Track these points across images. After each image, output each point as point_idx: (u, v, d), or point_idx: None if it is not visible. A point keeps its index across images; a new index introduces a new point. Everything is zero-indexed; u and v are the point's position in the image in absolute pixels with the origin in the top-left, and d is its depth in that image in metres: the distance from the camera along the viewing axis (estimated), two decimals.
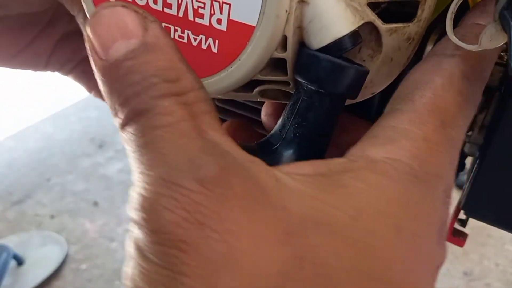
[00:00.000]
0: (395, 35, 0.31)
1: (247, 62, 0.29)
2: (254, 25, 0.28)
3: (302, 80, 0.29)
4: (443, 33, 0.39)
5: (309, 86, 0.29)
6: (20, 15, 0.46)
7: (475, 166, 0.42)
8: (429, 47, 0.39)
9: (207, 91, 0.27)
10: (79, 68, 0.52)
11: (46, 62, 0.50)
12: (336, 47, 0.28)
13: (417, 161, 0.26)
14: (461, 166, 0.45)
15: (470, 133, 0.42)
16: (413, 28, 0.32)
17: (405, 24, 0.31)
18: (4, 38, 0.49)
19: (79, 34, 0.38)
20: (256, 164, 0.25)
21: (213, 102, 0.27)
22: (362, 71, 0.29)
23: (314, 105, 0.30)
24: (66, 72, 0.53)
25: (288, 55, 0.29)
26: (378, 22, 0.30)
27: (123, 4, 0.26)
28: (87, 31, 0.26)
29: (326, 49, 0.28)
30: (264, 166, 0.25)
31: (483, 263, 1.32)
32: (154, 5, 0.31)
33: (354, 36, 0.29)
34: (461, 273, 1.35)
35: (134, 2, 0.31)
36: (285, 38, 0.29)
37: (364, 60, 0.32)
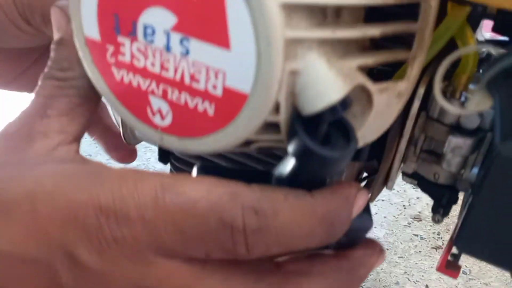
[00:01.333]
0: (386, 93, 0.32)
1: (241, 126, 0.30)
2: (248, 93, 0.29)
3: (287, 148, 0.31)
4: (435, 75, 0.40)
5: (292, 156, 0.30)
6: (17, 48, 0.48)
7: (467, 203, 0.43)
8: (421, 90, 0.40)
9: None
10: None
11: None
12: (327, 114, 0.29)
13: None
14: (453, 199, 0.46)
15: (462, 171, 0.43)
16: (403, 85, 0.33)
17: (395, 82, 0.32)
18: (1, 67, 0.50)
19: None
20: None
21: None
22: (334, 157, 0.29)
23: (299, 167, 0.31)
24: None
25: (281, 118, 0.30)
26: (369, 84, 0.31)
27: None
28: None
29: (318, 115, 0.29)
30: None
31: (482, 262, 1.33)
32: (152, 67, 0.32)
33: (345, 101, 0.30)
34: (460, 272, 1.37)
35: (132, 64, 0.32)
36: (278, 104, 0.30)
37: (355, 116, 0.33)
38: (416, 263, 1.45)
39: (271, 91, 0.29)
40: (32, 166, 0.33)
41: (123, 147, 0.46)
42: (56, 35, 0.38)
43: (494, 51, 0.28)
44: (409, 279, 1.43)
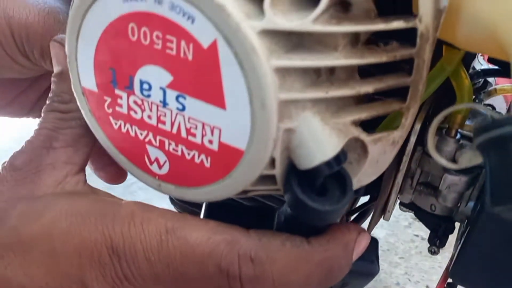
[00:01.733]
0: (380, 143, 0.33)
1: (238, 179, 0.31)
2: (243, 150, 0.29)
3: (284, 199, 0.31)
4: (430, 113, 0.40)
5: (287, 207, 0.31)
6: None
7: (463, 234, 0.43)
8: (417, 126, 0.40)
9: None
10: None
11: (29, 111, 0.53)
12: (322, 169, 0.30)
13: None
14: (450, 230, 0.47)
15: (458, 204, 0.43)
16: (398, 133, 0.33)
17: (389, 132, 0.33)
18: None
19: None
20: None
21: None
22: (328, 211, 0.30)
23: (295, 217, 0.32)
24: None
25: (277, 172, 0.31)
26: (363, 136, 0.31)
27: None
28: None
29: (312, 171, 0.30)
30: None
31: None
32: (149, 119, 0.32)
33: (339, 157, 0.30)
34: None
35: (129, 115, 0.33)
36: (273, 159, 0.30)
37: (351, 163, 0.34)
38: (416, 264, 1.46)
39: (267, 148, 0.29)
40: (46, 203, 0.34)
41: (111, 167, 0.46)
42: (56, 68, 0.39)
43: (487, 111, 0.28)
44: (409, 280, 1.44)
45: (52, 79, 0.39)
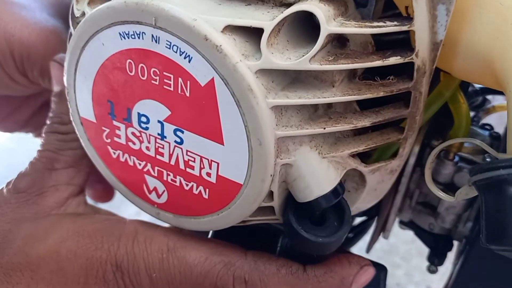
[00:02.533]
0: (378, 172, 0.33)
1: (236, 211, 0.31)
2: (242, 183, 0.30)
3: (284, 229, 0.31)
4: (429, 134, 0.40)
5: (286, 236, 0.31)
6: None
7: (462, 254, 0.44)
8: (416, 147, 0.40)
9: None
10: None
11: (23, 126, 0.54)
12: (320, 203, 0.30)
13: None
14: (448, 248, 0.47)
15: (457, 223, 0.43)
16: (396, 163, 0.33)
17: (387, 162, 0.33)
18: None
19: None
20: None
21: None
22: (321, 242, 0.30)
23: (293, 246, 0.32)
24: (39, 135, 0.55)
25: (275, 203, 0.31)
26: (361, 167, 0.31)
27: None
28: None
29: (310, 204, 0.30)
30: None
31: None
32: (147, 151, 0.32)
33: (337, 190, 0.30)
34: None
35: (127, 146, 0.33)
36: (271, 192, 0.30)
37: (349, 191, 0.34)
38: (417, 265, 1.46)
39: (264, 183, 0.29)
40: (51, 223, 0.35)
41: (99, 185, 0.47)
42: (55, 88, 0.39)
43: (482, 145, 0.28)
44: (410, 281, 1.44)
45: (52, 98, 0.39)
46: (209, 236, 0.39)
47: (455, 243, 0.48)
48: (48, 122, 0.38)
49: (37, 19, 0.45)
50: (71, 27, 0.33)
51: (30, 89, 0.47)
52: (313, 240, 0.30)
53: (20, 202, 0.36)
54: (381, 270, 0.34)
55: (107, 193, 0.48)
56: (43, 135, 0.38)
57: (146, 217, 0.37)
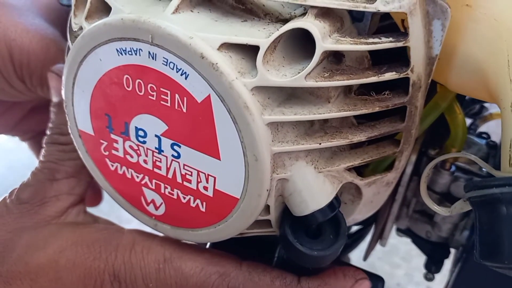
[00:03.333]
0: (374, 185, 0.33)
1: (232, 224, 0.31)
2: (238, 197, 0.30)
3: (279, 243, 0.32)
4: (426, 144, 0.40)
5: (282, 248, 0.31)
6: None
7: (459, 262, 0.44)
8: (412, 157, 0.40)
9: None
10: (36, 139, 0.55)
11: (12, 129, 0.54)
12: (315, 218, 0.30)
13: None
14: (445, 255, 0.47)
15: (454, 232, 0.44)
16: (392, 175, 0.33)
17: (383, 175, 0.33)
18: None
19: (45, 108, 0.41)
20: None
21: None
22: (316, 256, 0.30)
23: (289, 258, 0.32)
24: (25, 139, 0.56)
25: (271, 217, 0.31)
26: (357, 180, 0.32)
27: None
28: None
29: (306, 218, 0.30)
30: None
31: None
32: (145, 164, 0.33)
33: (333, 204, 0.30)
34: None
35: (125, 159, 0.33)
36: (268, 205, 0.30)
37: (345, 203, 0.34)
38: (417, 265, 1.46)
39: (261, 197, 0.29)
40: (50, 233, 0.35)
41: (88, 190, 0.47)
42: (54, 99, 0.39)
43: (477, 161, 0.28)
44: (410, 281, 1.44)
45: (51, 109, 0.39)
46: (208, 245, 0.40)
47: (452, 251, 0.48)
48: (48, 132, 0.39)
49: (37, 25, 0.45)
50: (69, 41, 0.33)
51: (26, 95, 0.47)
52: (309, 254, 0.30)
53: (22, 212, 0.36)
54: (378, 281, 0.35)
55: (95, 198, 0.48)
56: (44, 145, 0.38)
57: (145, 226, 0.37)
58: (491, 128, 0.48)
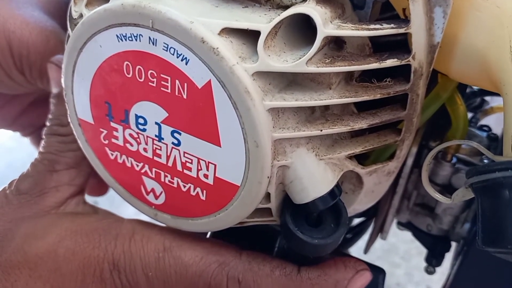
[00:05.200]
0: (375, 174, 0.33)
1: (233, 212, 0.31)
2: (239, 185, 0.30)
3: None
4: (427, 136, 0.40)
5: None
6: None
7: (460, 255, 0.44)
8: (413, 149, 0.40)
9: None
10: (37, 133, 0.54)
11: (11, 124, 0.53)
12: (316, 205, 0.30)
13: None
14: (446, 248, 0.47)
15: (455, 225, 0.43)
16: (393, 164, 0.33)
17: (384, 164, 0.33)
18: None
19: (45, 102, 0.41)
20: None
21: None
22: (317, 244, 0.30)
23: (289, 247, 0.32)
24: (26, 134, 0.56)
25: (272, 205, 0.31)
26: (358, 169, 0.32)
27: None
28: None
29: (307, 206, 0.30)
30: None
31: None
32: (145, 152, 0.32)
33: (333, 192, 0.30)
34: None
35: (125, 147, 0.33)
36: (268, 193, 0.30)
37: (346, 193, 0.34)
38: (417, 264, 1.46)
39: (261, 184, 0.29)
40: (50, 222, 0.35)
41: (93, 180, 0.47)
42: (54, 90, 0.39)
43: (479, 147, 0.28)
44: (410, 280, 1.44)
45: (51, 100, 0.39)
46: (208, 234, 0.40)
47: (453, 244, 0.48)
48: (47, 124, 0.38)
49: (36, 18, 0.44)
50: (69, 29, 0.33)
51: (25, 87, 0.47)
52: (309, 242, 0.30)
53: (22, 203, 0.36)
54: (379, 273, 0.34)
55: (101, 187, 0.48)
56: (43, 137, 0.38)
57: (144, 217, 0.37)
58: (492, 122, 0.48)
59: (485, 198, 0.25)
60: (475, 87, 0.48)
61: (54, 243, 0.34)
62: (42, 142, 0.38)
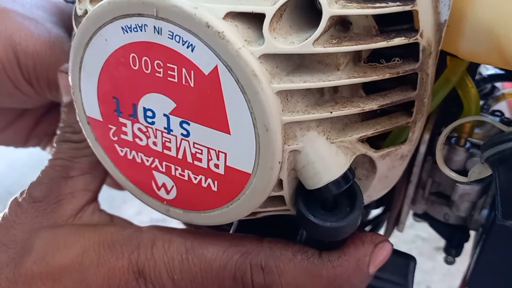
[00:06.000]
0: (388, 158, 0.32)
1: (245, 201, 0.31)
2: (250, 172, 0.29)
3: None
4: (439, 123, 0.40)
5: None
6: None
7: (479, 244, 0.43)
8: (426, 136, 0.40)
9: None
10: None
11: (26, 139, 0.53)
12: (329, 190, 0.29)
13: None
14: (465, 238, 0.46)
15: (472, 212, 0.43)
16: (406, 148, 0.33)
17: (397, 147, 0.32)
18: None
19: (58, 109, 0.41)
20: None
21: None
22: (330, 227, 0.30)
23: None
24: (44, 146, 0.55)
25: (285, 192, 0.31)
26: (371, 152, 0.31)
27: None
28: None
29: (320, 191, 0.30)
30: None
31: None
32: (154, 146, 0.32)
33: (347, 176, 0.30)
34: (461, 273, 1.35)
35: (134, 142, 0.33)
36: (280, 180, 0.30)
37: (360, 179, 0.33)
38: (418, 264, 1.44)
39: (273, 170, 0.29)
40: (72, 233, 0.35)
41: None
42: (65, 98, 0.39)
43: (493, 122, 0.28)
44: None
45: (62, 109, 0.39)
46: (233, 228, 0.40)
47: (472, 234, 0.47)
48: (58, 132, 0.38)
49: (41, 29, 0.45)
50: (75, 27, 0.33)
51: (35, 99, 0.47)
52: (321, 225, 0.30)
53: (38, 211, 0.36)
54: (410, 260, 0.34)
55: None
56: (55, 144, 0.38)
57: (146, 218, 0.36)
58: (503, 109, 0.47)
59: (502, 170, 0.24)
60: (485, 73, 0.47)
61: (79, 254, 0.34)
62: (53, 149, 0.38)
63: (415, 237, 1.51)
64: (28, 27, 0.44)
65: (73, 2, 0.45)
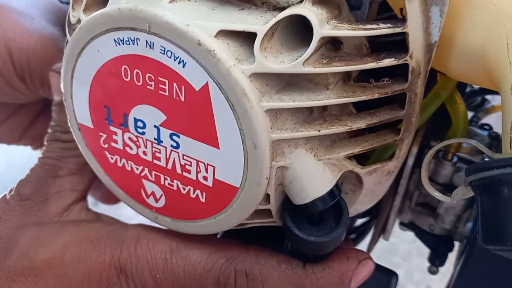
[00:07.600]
0: (375, 174, 0.33)
1: (233, 214, 0.31)
2: (238, 186, 0.30)
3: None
4: (427, 135, 0.40)
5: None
6: None
7: (463, 254, 0.43)
8: (414, 148, 0.40)
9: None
10: None
11: (21, 135, 0.53)
12: (316, 206, 0.30)
13: None
14: (449, 248, 0.47)
15: (457, 224, 0.43)
16: (393, 164, 0.33)
17: (384, 163, 0.33)
18: None
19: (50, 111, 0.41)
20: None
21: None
22: (315, 242, 0.30)
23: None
24: (37, 147, 0.55)
25: (272, 206, 0.31)
26: (357, 169, 0.31)
27: None
28: None
29: (307, 206, 0.30)
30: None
31: None
32: (144, 155, 0.32)
33: (333, 192, 0.30)
34: None
35: (125, 151, 0.33)
36: (268, 194, 0.30)
37: (346, 193, 0.34)
38: (417, 265, 1.45)
39: (260, 186, 0.29)
40: (55, 230, 0.36)
41: (106, 187, 0.47)
42: (56, 97, 0.39)
43: (478, 146, 0.28)
44: (410, 280, 1.44)
45: (53, 108, 0.39)
46: (220, 233, 0.40)
47: (456, 244, 0.48)
48: (49, 130, 0.39)
49: (36, 26, 0.45)
50: (68, 34, 0.33)
51: (27, 96, 0.47)
52: (306, 239, 0.30)
53: (25, 209, 0.36)
54: (391, 276, 0.34)
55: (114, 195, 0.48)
56: (45, 143, 0.38)
57: (146, 218, 0.37)
58: (493, 121, 0.48)
59: (484, 196, 0.25)
60: (475, 86, 0.48)
61: (60, 249, 0.34)
62: (43, 148, 0.38)
63: (415, 237, 1.52)
64: (23, 23, 0.44)
65: (68, 3, 0.45)
